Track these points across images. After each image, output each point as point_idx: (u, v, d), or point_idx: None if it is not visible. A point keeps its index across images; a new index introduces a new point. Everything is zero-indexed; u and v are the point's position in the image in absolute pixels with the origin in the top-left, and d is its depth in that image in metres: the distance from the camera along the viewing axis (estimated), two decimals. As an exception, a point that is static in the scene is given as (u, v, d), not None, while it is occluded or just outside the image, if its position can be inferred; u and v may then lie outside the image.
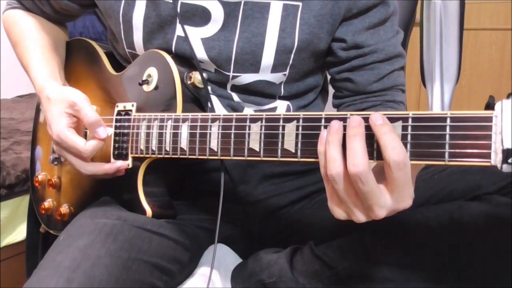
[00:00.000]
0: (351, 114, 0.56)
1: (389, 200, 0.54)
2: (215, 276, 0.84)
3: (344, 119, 0.56)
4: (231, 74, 0.82)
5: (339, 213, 0.59)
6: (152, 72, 0.80)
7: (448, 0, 1.61)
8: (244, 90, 0.85)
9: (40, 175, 0.99)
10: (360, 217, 0.57)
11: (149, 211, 0.79)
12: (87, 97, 0.79)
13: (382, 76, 0.85)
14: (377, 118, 0.53)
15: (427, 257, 0.69)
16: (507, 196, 0.67)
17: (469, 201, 0.70)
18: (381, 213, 0.55)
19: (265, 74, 0.83)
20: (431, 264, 0.69)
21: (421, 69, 1.76)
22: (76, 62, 0.98)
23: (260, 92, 0.86)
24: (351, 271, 0.74)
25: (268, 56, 0.81)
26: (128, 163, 0.80)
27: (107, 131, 0.77)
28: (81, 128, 0.81)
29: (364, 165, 0.52)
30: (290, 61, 0.82)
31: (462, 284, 0.67)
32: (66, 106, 0.78)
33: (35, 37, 0.94)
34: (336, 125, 0.55)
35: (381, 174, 0.54)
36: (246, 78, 0.83)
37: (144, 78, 0.81)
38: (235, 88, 0.86)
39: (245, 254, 0.90)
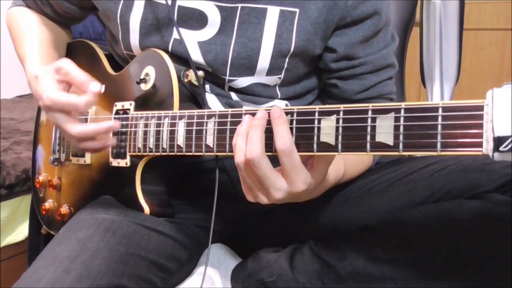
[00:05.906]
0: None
1: (284, 183, 0.60)
2: (215, 276, 0.84)
3: (332, 113, 0.58)
4: (227, 77, 0.82)
5: (249, 197, 0.65)
6: (150, 71, 0.80)
7: (448, 0, 1.61)
8: (242, 91, 0.86)
9: (41, 176, 1.00)
10: (263, 199, 0.63)
11: (146, 209, 0.79)
12: (72, 61, 0.76)
13: (368, 87, 0.85)
14: (275, 111, 0.60)
15: (426, 256, 0.69)
16: (507, 194, 0.67)
17: (468, 199, 0.70)
18: (277, 195, 0.61)
19: (260, 76, 0.83)
20: (431, 262, 0.69)
21: (421, 69, 1.76)
22: (77, 63, 0.97)
23: (257, 94, 0.86)
24: (351, 270, 0.74)
25: (263, 61, 0.81)
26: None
27: (100, 85, 0.73)
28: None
29: (257, 152, 0.59)
30: (285, 65, 0.82)
31: (462, 283, 0.67)
32: (53, 73, 0.76)
33: (35, 31, 0.94)
34: (245, 119, 0.62)
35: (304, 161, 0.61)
36: (242, 81, 0.83)
37: (141, 77, 0.81)
38: (233, 88, 0.86)
39: (245, 254, 0.90)
